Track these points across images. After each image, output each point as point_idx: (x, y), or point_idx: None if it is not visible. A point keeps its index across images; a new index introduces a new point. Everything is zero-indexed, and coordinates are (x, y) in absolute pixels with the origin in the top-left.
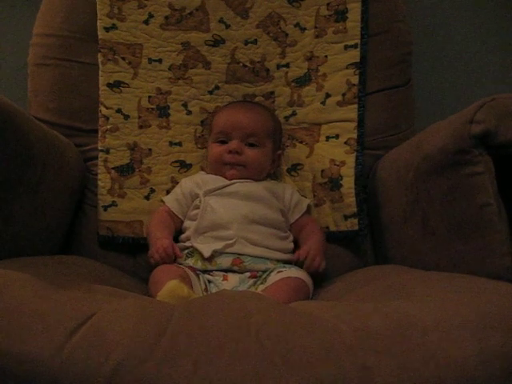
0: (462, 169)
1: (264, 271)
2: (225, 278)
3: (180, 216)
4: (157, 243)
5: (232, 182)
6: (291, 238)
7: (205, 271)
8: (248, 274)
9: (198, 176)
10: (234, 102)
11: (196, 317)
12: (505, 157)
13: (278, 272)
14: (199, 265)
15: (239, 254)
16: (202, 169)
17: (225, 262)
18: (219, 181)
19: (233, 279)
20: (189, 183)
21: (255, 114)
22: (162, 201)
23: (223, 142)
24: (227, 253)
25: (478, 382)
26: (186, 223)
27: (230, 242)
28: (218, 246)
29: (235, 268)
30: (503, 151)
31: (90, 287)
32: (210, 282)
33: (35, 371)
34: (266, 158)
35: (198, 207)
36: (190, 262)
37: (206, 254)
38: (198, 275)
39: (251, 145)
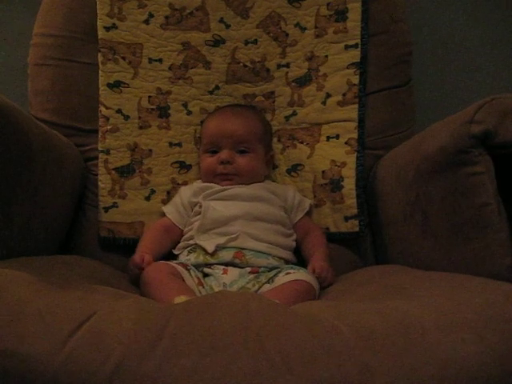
0: (461, 169)
1: (266, 267)
2: (224, 272)
3: (180, 226)
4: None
5: (230, 186)
6: (294, 236)
7: (206, 264)
8: (248, 269)
9: (195, 185)
10: (221, 108)
11: (196, 316)
12: (505, 157)
13: (287, 273)
14: (201, 259)
15: (241, 248)
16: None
17: (227, 255)
18: (216, 186)
19: (232, 273)
20: (187, 192)
21: (243, 119)
22: (163, 211)
23: (214, 152)
24: (230, 247)
25: (478, 382)
26: (187, 228)
27: (233, 236)
28: (221, 240)
29: (236, 261)
30: (503, 151)
31: (90, 287)
32: (209, 275)
33: (35, 371)
34: (259, 163)
35: (198, 213)
36: (192, 257)
37: (210, 249)
38: (188, 270)
39: (242, 151)
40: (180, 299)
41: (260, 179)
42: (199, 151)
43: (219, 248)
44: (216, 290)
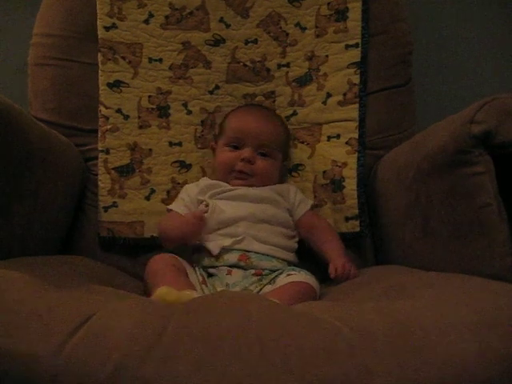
0: (462, 169)
1: (270, 269)
2: (229, 273)
3: None
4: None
5: (239, 187)
6: (297, 238)
7: (211, 266)
8: (252, 271)
9: (202, 182)
10: (249, 105)
11: (196, 317)
12: (505, 157)
13: (288, 275)
14: (206, 262)
15: (246, 251)
16: (203, 170)
17: (231, 257)
18: (224, 185)
19: (236, 274)
20: (194, 189)
21: (271, 124)
22: (169, 209)
23: (235, 147)
24: (235, 249)
25: (478, 382)
26: None
27: (238, 238)
28: (227, 242)
29: (241, 264)
30: (503, 151)
31: (89, 287)
32: (213, 275)
33: (35, 371)
34: (275, 169)
35: (204, 212)
36: (196, 258)
37: (215, 251)
38: (194, 267)
39: (263, 154)
40: (161, 290)
41: (270, 184)
42: (215, 144)
43: (224, 250)
44: (218, 289)
